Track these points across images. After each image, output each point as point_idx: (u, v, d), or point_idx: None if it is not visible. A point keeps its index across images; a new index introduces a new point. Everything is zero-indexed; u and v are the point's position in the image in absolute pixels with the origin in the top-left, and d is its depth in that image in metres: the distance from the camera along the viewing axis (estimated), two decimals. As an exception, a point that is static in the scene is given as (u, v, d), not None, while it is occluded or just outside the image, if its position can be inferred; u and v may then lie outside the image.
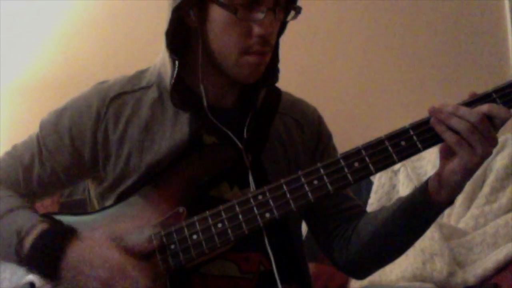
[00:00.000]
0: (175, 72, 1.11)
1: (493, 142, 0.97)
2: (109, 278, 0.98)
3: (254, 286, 1.14)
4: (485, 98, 0.98)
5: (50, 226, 1.06)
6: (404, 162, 2.25)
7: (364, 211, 1.27)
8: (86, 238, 1.04)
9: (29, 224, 1.06)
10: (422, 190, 1.07)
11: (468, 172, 0.99)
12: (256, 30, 1.08)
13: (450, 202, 1.06)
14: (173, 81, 1.11)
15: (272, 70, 1.19)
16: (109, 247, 1.02)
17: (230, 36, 1.09)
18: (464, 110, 0.96)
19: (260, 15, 1.07)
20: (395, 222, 1.13)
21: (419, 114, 1.02)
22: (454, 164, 0.99)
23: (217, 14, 1.09)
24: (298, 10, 1.14)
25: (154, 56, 1.22)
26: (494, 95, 0.98)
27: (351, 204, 1.26)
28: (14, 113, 2.53)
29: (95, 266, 1.00)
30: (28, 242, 1.04)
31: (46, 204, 2.18)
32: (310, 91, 1.59)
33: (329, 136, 1.32)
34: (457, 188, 1.03)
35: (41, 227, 1.05)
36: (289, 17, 1.15)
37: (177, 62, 1.10)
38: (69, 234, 1.04)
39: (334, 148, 1.31)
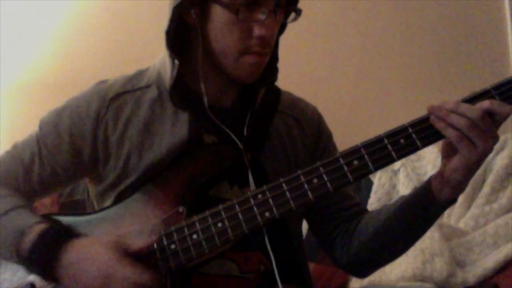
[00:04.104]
0: (175, 71, 1.11)
1: (494, 138, 0.97)
2: (105, 277, 0.98)
3: (255, 286, 1.14)
4: (484, 95, 0.98)
5: (48, 226, 1.06)
6: (404, 162, 2.26)
7: (365, 210, 1.27)
8: (83, 238, 1.05)
9: (28, 224, 1.07)
10: (425, 189, 1.07)
11: (469, 169, 0.99)
12: (257, 31, 1.09)
13: (452, 200, 1.06)
14: (172, 80, 1.12)
15: (271, 69, 1.19)
16: (105, 246, 1.01)
17: (231, 36, 1.09)
18: (464, 107, 0.96)
19: (261, 16, 1.08)
20: (397, 220, 1.13)
21: (419, 113, 1.02)
22: (455, 161, 0.99)
23: (218, 14, 1.09)
24: (298, 12, 1.14)
25: (154, 56, 1.22)
26: (493, 92, 0.98)
27: (351, 203, 1.26)
28: (14, 113, 2.53)
29: (91, 265, 1.00)
30: (27, 242, 1.04)
31: (46, 204, 2.18)
32: (309, 90, 1.59)
33: (329, 135, 1.32)
34: (460, 186, 1.02)
35: (40, 227, 1.06)
36: (289, 19, 1.16)
37: (176, 61, 1.10)
38: (66, 234, 1.05)
39: (334, 147, 1.31)
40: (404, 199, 1.14)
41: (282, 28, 1.19)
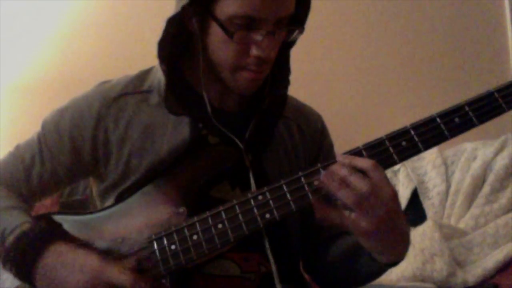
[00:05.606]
0: (165, 80, 1.11)
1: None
2: (90, 281, 0.97)
3: (256, 286, 1.14)
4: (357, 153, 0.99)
5: (31, 227, 1.05)
6: (404, 162, 2.25)
7: (344, 232, 1.22)
8: (66, 242, 1.03)
9: (13, 225, 1.06)
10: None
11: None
12: (254, 51, 1.08)
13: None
14: (164, 90, 1.12)
15: (281, 79, 1.19)
16: (88, 252, 1.01)
17: (228, 53, 1.09)
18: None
19: (258, 37, 1.07)
20: (346, 259, 1.14)
21: (419, 113, 1.02)
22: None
23: (216, 30, 1.08)
24: (301, 30, 1.13)
25: (154, 56, 1.22)
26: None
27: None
28: (14, 113, 2.53)
29: (71, 270, 0.99)
30: (8, 242, 1.04)
31: (46, 204, 2.18)
32: (310, 91, 1.59)
33: (330, 146, 1.31)
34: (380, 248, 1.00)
35: (22, 228, 1.05)
36: (292, 37, 1.14)
37: (166, 71, 1.11)
38: (49, 236, 1.03)
39: (334, 158, 1.30)
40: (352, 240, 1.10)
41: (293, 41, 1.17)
